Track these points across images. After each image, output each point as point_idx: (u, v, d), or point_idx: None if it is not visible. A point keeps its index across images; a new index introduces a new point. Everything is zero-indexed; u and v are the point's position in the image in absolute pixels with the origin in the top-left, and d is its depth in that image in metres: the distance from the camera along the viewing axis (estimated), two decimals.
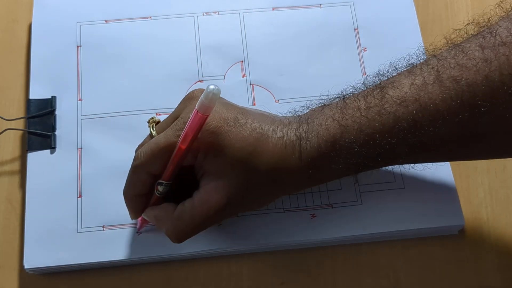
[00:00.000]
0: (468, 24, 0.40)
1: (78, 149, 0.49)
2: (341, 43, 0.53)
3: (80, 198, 0.47)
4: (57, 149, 0.49)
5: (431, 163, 0.46)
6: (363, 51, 0.53)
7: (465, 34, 0.40)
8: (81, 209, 0.47)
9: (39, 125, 0.49)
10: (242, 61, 0.52)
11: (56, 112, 0.50)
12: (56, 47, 0.52)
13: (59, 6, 0.54)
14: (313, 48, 0.53)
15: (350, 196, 0.48)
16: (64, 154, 0.49)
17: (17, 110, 0.52)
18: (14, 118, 0.50)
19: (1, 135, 0.50)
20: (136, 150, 0.42)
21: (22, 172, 0.49)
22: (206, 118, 0.38)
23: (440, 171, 0.48)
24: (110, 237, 0.46)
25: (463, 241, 0.48)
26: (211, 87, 0.36)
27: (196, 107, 0.36)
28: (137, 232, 0.46)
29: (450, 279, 0.47)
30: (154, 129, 0.43)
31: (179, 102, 0.44)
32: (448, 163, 0.48)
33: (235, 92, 0.51)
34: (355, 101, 0.40)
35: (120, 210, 0.46)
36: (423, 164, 0.46)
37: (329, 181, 0.45)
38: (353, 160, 0.39)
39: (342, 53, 0.53)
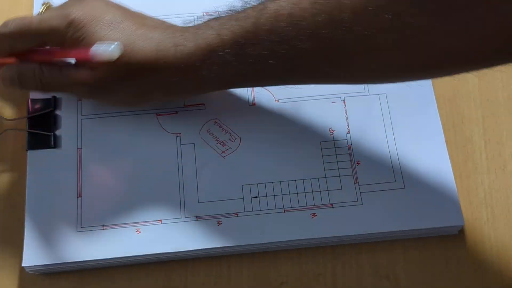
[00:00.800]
0: None
1: (78, 149, 0.49)
2: None
3: (80, 198, 0.47)
4: (57, 148, 0.49)
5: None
6: None
7: None
8: (81, 209, 0.47)
9: (40, 125, 0.49)
10: None
11: (57, 112, 0.50)
12: None
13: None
14: None
15: (350, 196, 0.48)
16: (64, 153, 0.49)
17: (18, 110, 0.52)
18: (15, 118, 0.50)
19: (2, 135, 0.50)
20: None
21: (22, 171, 0.49)
22: (88, 59, 0.40)
23: (440, 171, 0.48)
24: (109, 236, 0.46)
25: (463, 241, 0.48)
26: (114, 50, 0.39)
27: (92, 48, 0.40)
28: None
29: (450, 279, 0.47)
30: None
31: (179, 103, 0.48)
32: (448, 163, 0.48)
33: (234, 92, 0.51)
34: (237, 13, 0.41)
35: (120, 210, 0.47)
36: (423, 164, 0.47)
37: (205, 91, 0.47)
38: (228, 71, 0.41)
39: None
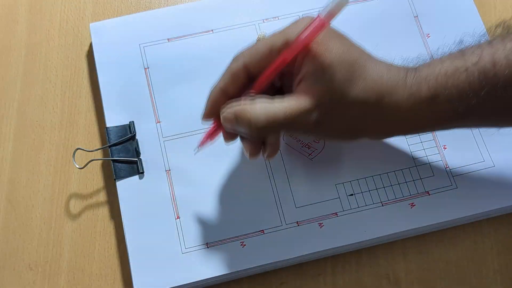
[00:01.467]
0: None
1: (166, 171, 0.48)
2: (404, 31, 0.53)
3: (178, 219, 0.47)
4: (145, 173, 0.48)
5: None
6: (426, 37, 0.53)
7: None
8: (182, 230, 0.46)
9: (123, 152, 0.49)
10: None
11: (137, 137, 0.49)
12: (124, 72, 0.52)
13: (117, 30, 0.53)
14: (376, 41, 0.53)
15: (444, 181, 0.48)
16: (153, 177, 0.48)
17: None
18: (97, 148, 0.49)
19: (87, 166, 0.49)
20: (236, 54, 0.42)
21: (111, 202, 0.49)
22: (326, 26, 0.38)
23: None
24: (215, 253, 0.46)
25: (463, 240, 0.49)
26: None
27: (320, 12, 0.38)
28: (194, 150, 0.45)
29: (450, 279, 0.47)
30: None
31: None
32: None
33: None
34: (475, 44, 0.40)
35: (222, 226, 0.46)
36: (507, 138, 0.48)
37: (419, 132, 0.46)
38: (463, 98, 0.39)
39: (406, 42, 0.53)
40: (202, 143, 0.44)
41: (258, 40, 0.43)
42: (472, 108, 0.38)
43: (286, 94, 0.40)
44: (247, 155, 0.43)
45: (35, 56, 0.54)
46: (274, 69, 0.40)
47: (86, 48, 0.55)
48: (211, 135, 0.43)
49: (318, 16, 0.38)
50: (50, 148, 0.51)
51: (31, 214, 0.49)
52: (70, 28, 0.56)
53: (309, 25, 0.39)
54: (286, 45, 0.39)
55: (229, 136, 0.43)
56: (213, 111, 0.42)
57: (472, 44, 0.40)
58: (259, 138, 0.42)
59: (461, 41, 0.41)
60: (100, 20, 0.54)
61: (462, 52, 0.39)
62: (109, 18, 0.55)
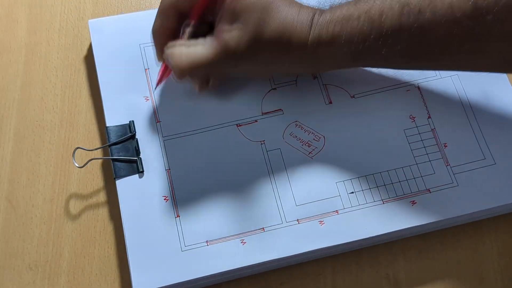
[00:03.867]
0: None
1: (166, 170, 0.48)
2: None
3: (178, 217, 0.46)
4: (145, 172, 0.48)
5: None
6: None
7: None
8: (181, 228, 0.46)
9: (122, 151, 0.49)
10: None
11: (137, 136, 0.49)
12: (124, 72, 0.52)
13: (117, 28, 0.54)
14: None
15: (445, 179, 0.48)
16: (153, 176, 0.48)
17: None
18: (97, 147, 0.49)
19: (87, 165, 0.49)
20: None
21: (111, 201, 0.49)
22: None
23: None
24: (215, 251, 0.46)
25: (463, 240, 0.49)
26: None
27: None
28: (154, 89, 0.50)
29: (450, 279, 0.47)
30: None
31: (256, 111, 0.49)
32: None
33: (309, 93, 0.51)
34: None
35: (222, 224, 0.46)
36: (507, 136, 0.49)
37: (327, 70, 0.50)
38: (353, 44, 0.42)
39: None
40: (158, 81, 0.49)
41: None
42: (362, 52, 0.42)
43: (208, 35, 0.44)
44: (196, 89, 0.49)
45: (35, 56, 0.55)
46: (202, 4, 0.44)
47: (86, 48, 0.55)
48: (163, 73, 0.48)
49: None
50: (50, 148, 0.51)
51: (31, 214, 0.49)
52: (70, 28, 0.56)
53: None
54: None
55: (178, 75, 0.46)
56: (160, 51, 0.46)
57: None
58: (182, 78, 0.45)
59: None
60: (99, 17, 0.55)
61: (358, 0, 0.43)
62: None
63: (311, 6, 0.45)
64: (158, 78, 0.48)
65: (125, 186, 0.48)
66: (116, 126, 0.50)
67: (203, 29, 0.46)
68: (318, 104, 0.51)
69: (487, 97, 0.51)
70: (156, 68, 0.52)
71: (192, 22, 0.45)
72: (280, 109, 0.51)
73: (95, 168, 0.50)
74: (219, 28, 0.44)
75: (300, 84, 0.52)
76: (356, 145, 0.49)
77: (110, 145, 0.49)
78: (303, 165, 0.48)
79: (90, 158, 0.49)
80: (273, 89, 0.51)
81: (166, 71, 0.48)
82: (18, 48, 0.55)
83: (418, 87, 0.51)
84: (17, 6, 0.57)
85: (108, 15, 0.57)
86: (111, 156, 0.49)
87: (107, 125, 0.50)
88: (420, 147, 0.49)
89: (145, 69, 0.52)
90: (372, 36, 0.41)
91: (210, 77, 0.49)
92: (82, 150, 0.49)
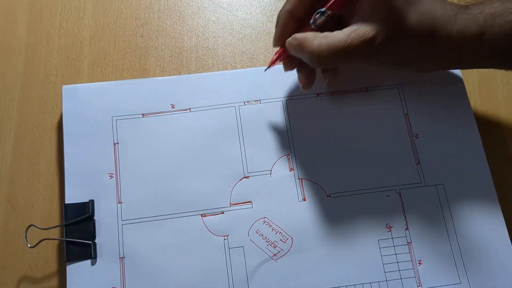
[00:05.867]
0: None
1: (120, 258, 0.46)
2: (392, 129, 0.50)
3: None
4: (98, 259, 0.45)
5: None
6: (414, 137, 0.50)
7: None
8: None
9: (78, 233, 0.46)
10: (289, 154, 0.49)
11: (95, 218, 0.47)
12: (91, 145, 0.49)
13: (90, 99, 0.51)
14: (363, 135, 0.50)
15: None
16: (105, 264, 0.46)
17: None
18: (50, 226, 0.47)
19: (38, 245, 0.47)
20: None
21: (62, 286, 0.46)
22: None
23: (509, 271, 0.46)
24: None
25: None
26: None
27: None
28: (265, 70, 0.48)
29: None
30: None
31: (224, 201, 0.46)
32: None
33: (283, 187, 0.48)
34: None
35: None
36: (488, 262, 0.46)
37: (468, 67, 0.48)
38: (508, 42, 0.42)
39: (394, 140, 0.50)
40: (271, 63, 0.47)
41: None
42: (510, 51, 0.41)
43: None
44: (301, 85, 0.47)
45: (35, 56, 0.54)
46: None
47: (86, 48, 0.55)
48: (278, 58, 0.47)
49: None
50: (50, 148, 0.50)
51: (31, 214, 0.48)
52: (70, 28, 0.55)
53: None
54: None
55: (289, 66, 0.47)
56: (282, 36, 0.45)
57: None
58: (319, 66, 0.45)
59: None
60: (100, 18, 0.55)
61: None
62: (109, 17, 0.56)
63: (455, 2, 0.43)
64: (272, 60, 0.47)
65: (76, 272, 0.45)
66: (75, 204, 0.47)
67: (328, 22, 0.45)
68: (291, 200, 0.48)
69: (473, 213, 0.47)
70: (125, 144, 0.50)
71: (329, 12, 0.44)
72: (250, 202, 0.47)
73: (50, 248, 0.48)
74: (359, 18, 0.42)
75: (275, 175, 0.49)
76: (324, 251, 0.46)
77: (65, 225, 0.46)
78: (265, 268, 0.46)
79: (42, 238, 0.46)
80: (246, 177, 0.48)
81: (280, 56, 0.47)
82: (18, 48, 0.55)
83: (399, 194, 0.48)
84: (17, 6, 0.56)
85: (107, 15, 0.56)
86: (65, 237, 0.46)
87: (66, 202, 0.47)
88: (393, 262, 0.46)
89: (114, 144, 0.49)
90: None
91: (328, 72, 0.47)
92: (36, 228, 0.47)
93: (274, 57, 0.47)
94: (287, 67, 0.47)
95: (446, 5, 0.43)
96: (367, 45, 0.41)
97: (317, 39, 0.42)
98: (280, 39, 0.46)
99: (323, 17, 0.44)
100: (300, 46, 0.43)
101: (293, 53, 0.45)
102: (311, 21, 0.44)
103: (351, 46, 0.41)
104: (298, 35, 0.44)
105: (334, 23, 0.45)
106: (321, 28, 0.44)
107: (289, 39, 0.45)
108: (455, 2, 0.43)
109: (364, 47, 0.42)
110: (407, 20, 0.41)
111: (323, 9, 0.44)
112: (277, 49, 0.47)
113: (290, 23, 0.45)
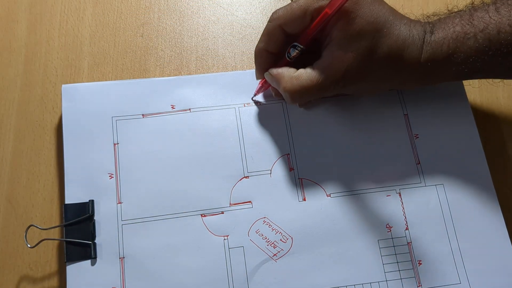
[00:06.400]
0: None
1: (120, 258, 0.45)
2: (392, 129, 0.50)
3: None
4: (97, 259, 0.45)
5: None
6: (414, 137, 0.50)
7: None
8: None
9: (78, 233, 0.46)
10: (289, 154, 0.49)
11: (95, 218, 0.46)
12: (91, 145, 0.49)
13: (90, 99, 0.51)
14: (362, 135, 0.50)
15: None
16: (105, 264, 0.45)
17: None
18: (50, 226, 0.47)
19: (38, 246, 0.47)
20: (272, 14, 0.45)
21: (62, 286, 0.46)
22: None
23: (508, 271, 0.46)
24: None
25: None
26: None
27: None
28: (252, 98, 0.51)
29: None
30: None
31: (224, 201, 0.46)
32: None
33: (282, 187, 0.48)
34: (483, 7, 0.43)
35: None
36: (488, 263, 0.46)
37: (439, 83, 0.48)
38: (469, 62, 0.43)
39: (394, 140, 0.50)
40: (257, 92, 0.51)
41: (292, 1, 0.45)
42: (478, 69, 0.43)
43: (316, 62, 0.45)
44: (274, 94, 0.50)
45: (35, 56, 0.54)
46: (316, 24, 0.43)
47: (86, 48, 0.55)
48: (262, 87, 0.50)
49: None
50: (50, 148, 0.50)
51: (31, 214, 0.48)
52: (70, 28, 0.55)
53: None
54: (320, 8, 0.43)
55: (274, 90, 0.49)
56: (260, 71, 0.48)
57: (480, 7, 0.43)
58: (294, 103, 0.47)
59: (472, 2, 0.45)
60: (100, 18, 0.55)
61: (471, 17, 0.43)
62: (109, 17, 0.56)
63: (420, 20, 0.45)
64: (257, 90, 0.50)
65: (76, 272, 0.45)
66: (75, 204, 0.47)
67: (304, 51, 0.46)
68: (291, 200, 0.48)
69: (473, 214, 0.47)
70: (125, 144, 0.50)
71: (301, 47, 0.45)
72: (250, 201, 0.47)
73: (50, 248, 0.48)
74: (329, 54, 0.44)
75: (275, 175, 0.49)
76: (324, 250, 0.46)
77: (65, 225, 0.46)
78: (265, 268, 0.46)
79: (42, 238, 0.46)
80: (246, 177, 0.48)
81: (264, 86, 0.50)
82: (18, 48, 0.55)
83: (399, 194, 0.48)
84: (17, 6, 0.56)
85: (107, 15, 0.56)
86: (65, 237, 0.46)
87: (66, 202, 0.47)
88: (393, 262, 0.46)
89: (114, 144, 0.49)
90: (490, 53, 0.42)
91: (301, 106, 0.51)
92: (36, 228, 0.47)
93: (258, 87, 0.50)
94: (276, 95, 0.50)
95: (413, 29, 0.44)
96: (337, 82, 0.44)
97: (290, 80, 0.45)
98: (259, 73, 0.48)
99: (296, 51, 0.45)
100: (276, 81, 0.46)
101: (271, 83, 0.47)
102: (286, 54, 0.46)
103: (322, 85, 0.44)
104: (274, 71, 0.46)
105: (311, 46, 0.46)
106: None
107: (266, 73, 0.47)
108: (421, 26, 0.44)
109: (335, 84, 0.44)
110: (379, 51, 0.43)
111: (295, 44, 0.45)
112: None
113: (266, 58, 0.47)
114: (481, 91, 0.53)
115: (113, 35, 0.55)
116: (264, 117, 0.50)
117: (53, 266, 0.47)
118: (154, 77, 0.53)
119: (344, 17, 0.42)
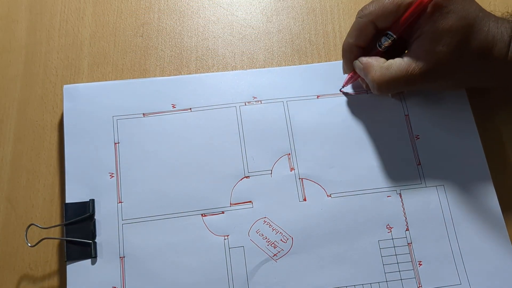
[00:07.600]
0: None
1: (120, 257, 0.45)
2: (393, 130, 0.50)
3: None
4: (98, 258, 0.45)
5: None
6: (415, 138, 0.50)
7: None
8: None
9: (78, 232, 0.46)
10: (289, 154, 0.49)
11: (96, 217, 0.46)
12: (92, 145, 0.49)
13: (91, 99, 0.51)
14: (363, 136, 0.50)
15: None
16: (106, 264, 0.45)
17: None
18: (51, 225, 0.47)
19: (38, 245, 0.47)
20: (362, 10, 0.46)
21: (62, 286, 0.46)
22: None
23: (509, 272, 0.46)
24: None
25: None
26: None
27: None
28: (340, 90, 0.51)
29: None
30: None
31: (225, 201, 0.45)
32: None
33: (283, 187, 0.48)
34: None
35: None
36: (488, 263, 0.46)
37: None
38: None
39: (395, 140, 0.50)
40: (345, 84, 0.51)
41: None
42: None
43: (405, 53, 0.46)
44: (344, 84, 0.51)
45: (35, 56, 0.54)
46: (411, 13, 0.44)
47: (86, 48, 0.55)
48: (350, 79, 0.50)
49: None
50: (50, 148, 0.50)
51: (31, 214, 0.48)
52: (70, 28, 0.56)
53: None
54: (413, 2, 0.44)
55: (367, 84, 0.49)
56: (348, 66, 0.49)
57: None
58: (380, 94, 0.48)
59: None
60: (100, 18, 0.55)
61: None
62: (109, 17, 0.56)
63: (507, 18, 0.46)
64: (345, 81, 0.51)
65: (76, 271, 0.45)
66: (76, 203, 0.47)
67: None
68: (292, 200, 0.48)
69: (474, 215, 0.47)
70: (126, 143, 0.50)
71: (394, 36, 0.46)
72: (250, 201, 0.47)
73: (50, 247, 0.48)
74: (420, 47, 0.44)
75: (275, 175, 0.49)
76: (324, 251, 0.46)
77: (66, 224, 0.46)
78: (266, 268, 0.46)
79: (42, 237, 0.46)
80: (246, 177, 0.48)
81: (353, 77, 0.50)
82: (18, 48, 0.55)
83: (400, 194, 0.48)
84: (17, 6, 0.56)
85: (107, 15, 0.56)
86: (66, 236, 0.46)
87: (67, 201, 0.47)
88: (393, 263, 0.46)
89: (115, 143, 0.49)
90: None
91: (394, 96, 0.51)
92: (36, 227, 0.47)
93: (347, 78, 0.51)
94: (365, 84, 0.50)
95: (501, 26, 0.44)
96: (427, 75, 0.44)
97: (380, 70, 0.45)
98: (348, 67, 0.49)
99: (389, 40, 0.46)
100: (365, 71, 0.47)
101: (359, 73, 0.48)
102: (377, 43, 0.47)
103: (411, 77, 0.44)
104: (364, 59, 0.47)
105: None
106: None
107: (356, 61, 0.48)
108: (508, 20, 0.45)
109: (424, 77, 0.44)
110: (468, 48, 0.43)
111: (388, 32, 0.46)
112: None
113: (354, 53, 0.48)
114: (481, 92, 0.53)
115: (113, 35, 0.55)
116: (265, 117, 0.50)
117: (53, 265, 0.47)
118: (154, 76, 0.53)
119: (437, 11, 0.43)
